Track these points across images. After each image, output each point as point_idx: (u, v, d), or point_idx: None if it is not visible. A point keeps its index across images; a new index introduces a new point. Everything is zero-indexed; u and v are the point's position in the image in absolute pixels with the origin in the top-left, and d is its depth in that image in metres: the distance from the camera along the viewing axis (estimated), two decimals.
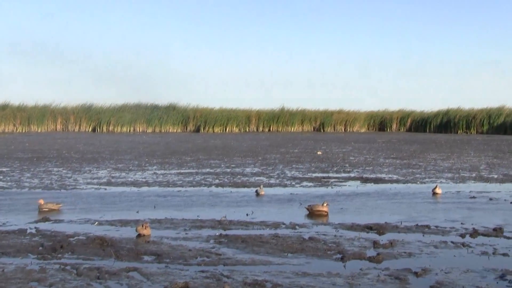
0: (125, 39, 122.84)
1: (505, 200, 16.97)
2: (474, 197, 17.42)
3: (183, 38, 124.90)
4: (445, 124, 72.88)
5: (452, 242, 11.40)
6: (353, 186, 20.24)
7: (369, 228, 12.68)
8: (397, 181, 21.23)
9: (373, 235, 12.05)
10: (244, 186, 19.75)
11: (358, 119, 77.40)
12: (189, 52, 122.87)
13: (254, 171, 24.67)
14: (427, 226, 12.88)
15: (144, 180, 21.45)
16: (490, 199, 17.14)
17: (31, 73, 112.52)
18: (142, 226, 11.94)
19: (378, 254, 10.30)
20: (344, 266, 9.60)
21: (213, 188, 19.35)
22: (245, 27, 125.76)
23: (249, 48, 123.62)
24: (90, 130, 72.45)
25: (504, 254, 10.45)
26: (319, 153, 35.53)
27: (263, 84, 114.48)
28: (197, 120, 73.66)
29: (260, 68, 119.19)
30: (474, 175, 23.55)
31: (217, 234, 12.01)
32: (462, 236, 11.93)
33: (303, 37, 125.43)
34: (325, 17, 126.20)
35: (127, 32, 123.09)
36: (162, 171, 24.55)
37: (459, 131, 70.69)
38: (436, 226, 12.89)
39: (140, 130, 72.40)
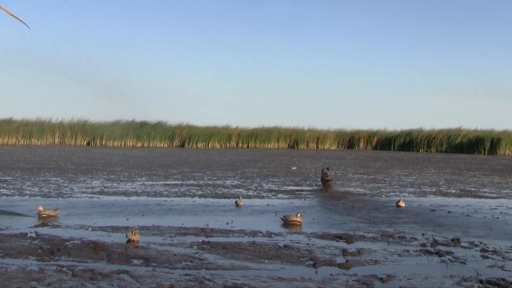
0: (118, 58, 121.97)
1: (461, 213, 17.04)
2: (434, 210, 17.48)
3: (167, 59, 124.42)
4: (408, 143, 73.07)
5: (414, 251, 11.44)
6: (324, 198, 20.25)
7: (338, 237, 12.68)
8: (364, 195, 21.26)
9: (342, 244, 12.05)
10: (225, 197, 19.70)
11: (329, 137, 77.31)
12: (176, 72, 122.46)
13: (234, 184, 24.63)
14: (392, 236, 12.91)
15: (133, 190, 21.36)
16: (449, 212, 17.20)
17: (24, 84, 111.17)
18: (132, 232, 11.90)
19: (346, 261, 10.32)
20: (316, 272, 9.59)
21: (197, 199, 19.29)
22: (230, 54, 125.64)
23: (232, 71, 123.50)
24: (85, 143, 72.00)
25: (461, 262, 10.49)
26: (293, 168, 35.53)
27: (244, 104, 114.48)
28: (182, 136, 73.44)
29: (241, 90, 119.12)
30: (434, 190, 23.64)
31: (200, 240, 11.97)
32: (423, 245, 11.96)
33: (281, 63, 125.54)
34: (301, 40, 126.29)
35: (120, 52, 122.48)
36: (150, 182, 24.47)
37: (420, 150, 70.96)
38: (400, 236, 12.92)
39: (130, 145, 72.01)
